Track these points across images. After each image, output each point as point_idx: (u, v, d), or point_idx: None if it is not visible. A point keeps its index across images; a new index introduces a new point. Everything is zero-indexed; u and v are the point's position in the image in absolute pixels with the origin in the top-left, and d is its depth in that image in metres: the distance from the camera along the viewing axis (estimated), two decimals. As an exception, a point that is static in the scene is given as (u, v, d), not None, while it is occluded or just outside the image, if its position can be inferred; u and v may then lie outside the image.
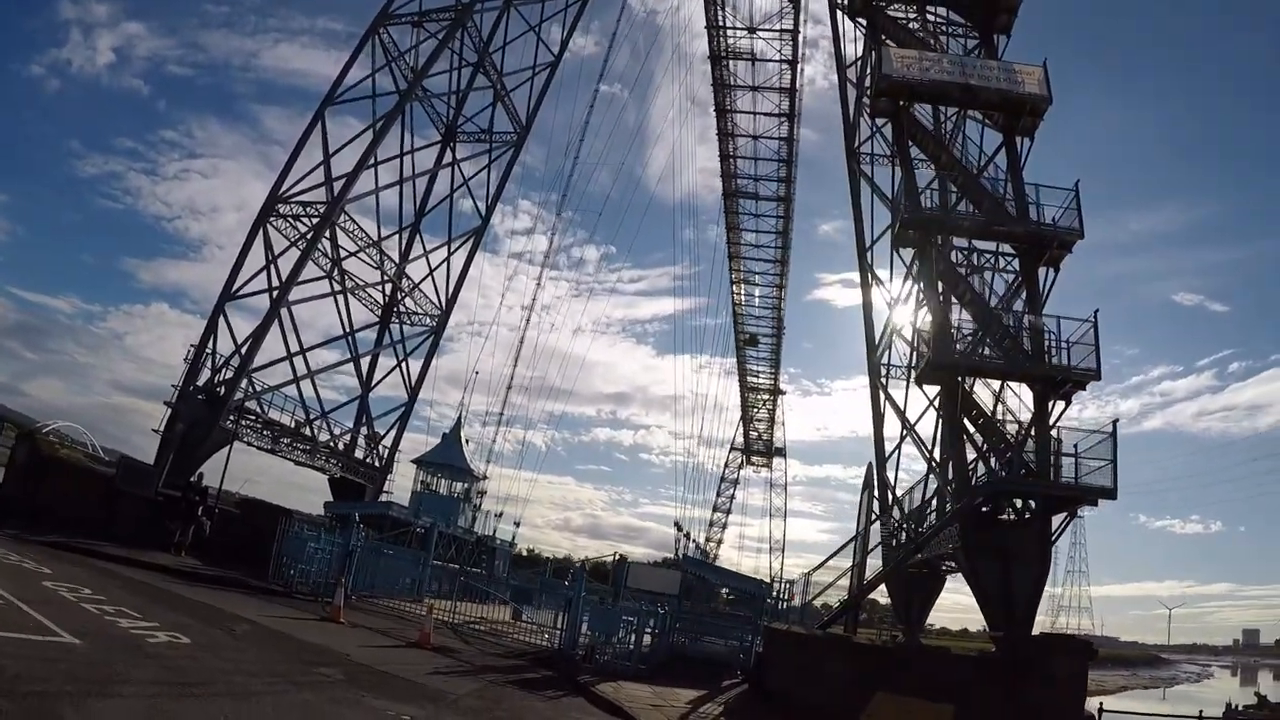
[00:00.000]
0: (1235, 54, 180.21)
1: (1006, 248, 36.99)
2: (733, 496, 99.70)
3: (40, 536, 27.66)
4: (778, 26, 60.40)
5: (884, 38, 40.68)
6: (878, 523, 39.21)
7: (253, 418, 40.75)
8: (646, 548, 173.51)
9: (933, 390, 37.56)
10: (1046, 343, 32.58)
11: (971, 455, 33.29)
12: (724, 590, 41.78)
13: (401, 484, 52.53)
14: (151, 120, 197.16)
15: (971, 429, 33.87)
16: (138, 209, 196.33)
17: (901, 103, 38.80)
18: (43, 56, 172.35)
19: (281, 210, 42.70)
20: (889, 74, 37.91)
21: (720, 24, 61.08)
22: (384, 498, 48.53)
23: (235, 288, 41.25)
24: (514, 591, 36.52)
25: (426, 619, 24.98)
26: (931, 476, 36.55)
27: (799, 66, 62.69)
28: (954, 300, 35.94)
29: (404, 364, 51.73)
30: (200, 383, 38.84)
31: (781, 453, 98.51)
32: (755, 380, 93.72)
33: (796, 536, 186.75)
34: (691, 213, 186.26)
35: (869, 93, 45.35)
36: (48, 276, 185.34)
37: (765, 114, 65.10)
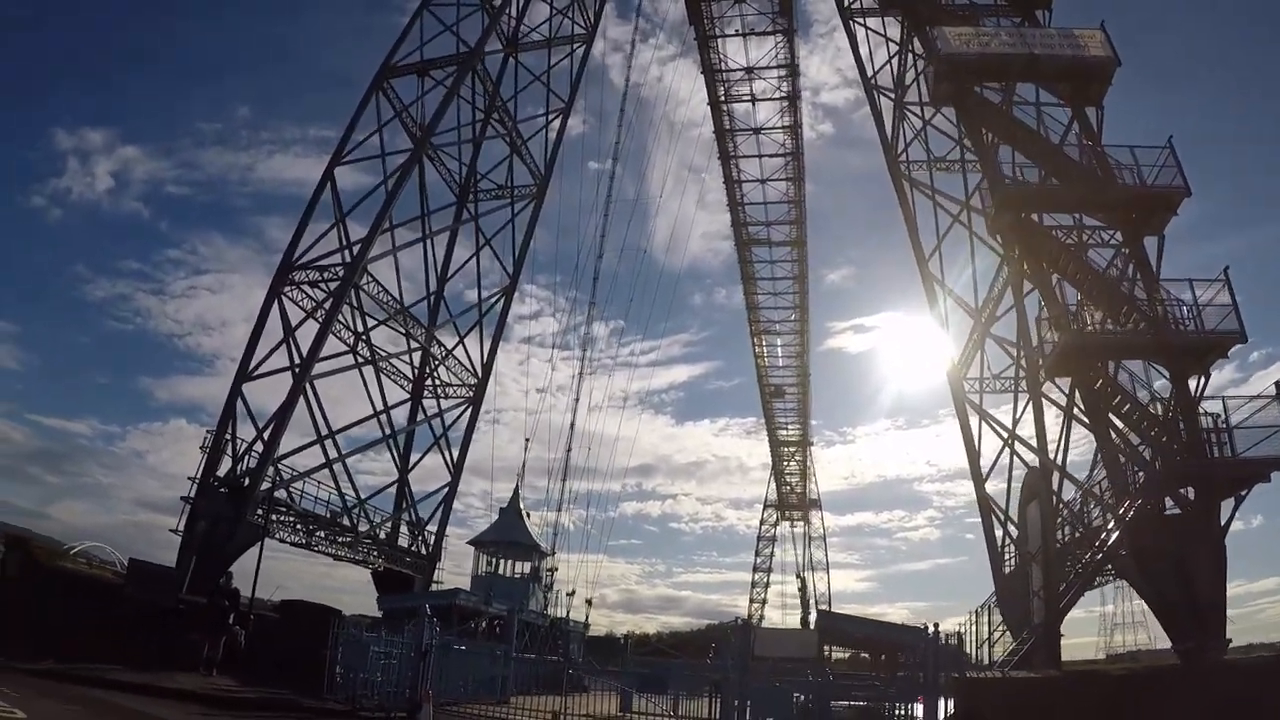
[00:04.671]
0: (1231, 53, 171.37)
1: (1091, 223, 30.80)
2: (771, 554, 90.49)
3: (32, 664, 20.56)
4: (774, 63, 53.91)
5: (925, 30, 34.76)
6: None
7: (283, 510, 32.36)
8: (685, 616, 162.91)
9: (1049, 392, 30.84)
10: (1176, 312, 26.29)
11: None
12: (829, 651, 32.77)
13: (446, 574, 43.93)
14: (155, 241, 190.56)
15: (1116, 420, 26.91)
16: (148, 329, 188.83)
17: (965, 83, 32.78)
18: (43, 186, 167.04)
19: (296, 278, 35.10)
20: (949, 54, 32.15)
21: (718, 67, 54.69)
22: (435, 587, 39.87)
23: (251, 367, 33.53)
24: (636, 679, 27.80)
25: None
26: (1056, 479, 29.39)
27: (799, 101, 56.56)
28: (1061, 283, 29.40)
29: (444, 439, 43.44)
30: (221, 474, 30.50)
31: (816, 504, 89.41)
32: (784, 434, 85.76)
33: (837, 588, 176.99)
34: (698, 277, 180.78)
35: (917, 84, 39.34)
36: (64, 401, 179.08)
37: (770, 155, 58.91)
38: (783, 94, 55.83)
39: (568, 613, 44.93)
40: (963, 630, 26.27)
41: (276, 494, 32.00)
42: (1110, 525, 24.81)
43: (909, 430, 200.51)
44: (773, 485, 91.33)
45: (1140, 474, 25.64)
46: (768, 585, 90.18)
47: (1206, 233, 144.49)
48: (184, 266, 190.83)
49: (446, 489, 43.40)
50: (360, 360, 38.99)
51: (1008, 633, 27.87)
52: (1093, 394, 26.84)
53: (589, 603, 48.25)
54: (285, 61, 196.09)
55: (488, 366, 45.64)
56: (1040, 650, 24.36)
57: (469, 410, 44.84)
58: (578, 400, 52.78)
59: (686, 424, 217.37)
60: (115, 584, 26.75)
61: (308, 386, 34.18)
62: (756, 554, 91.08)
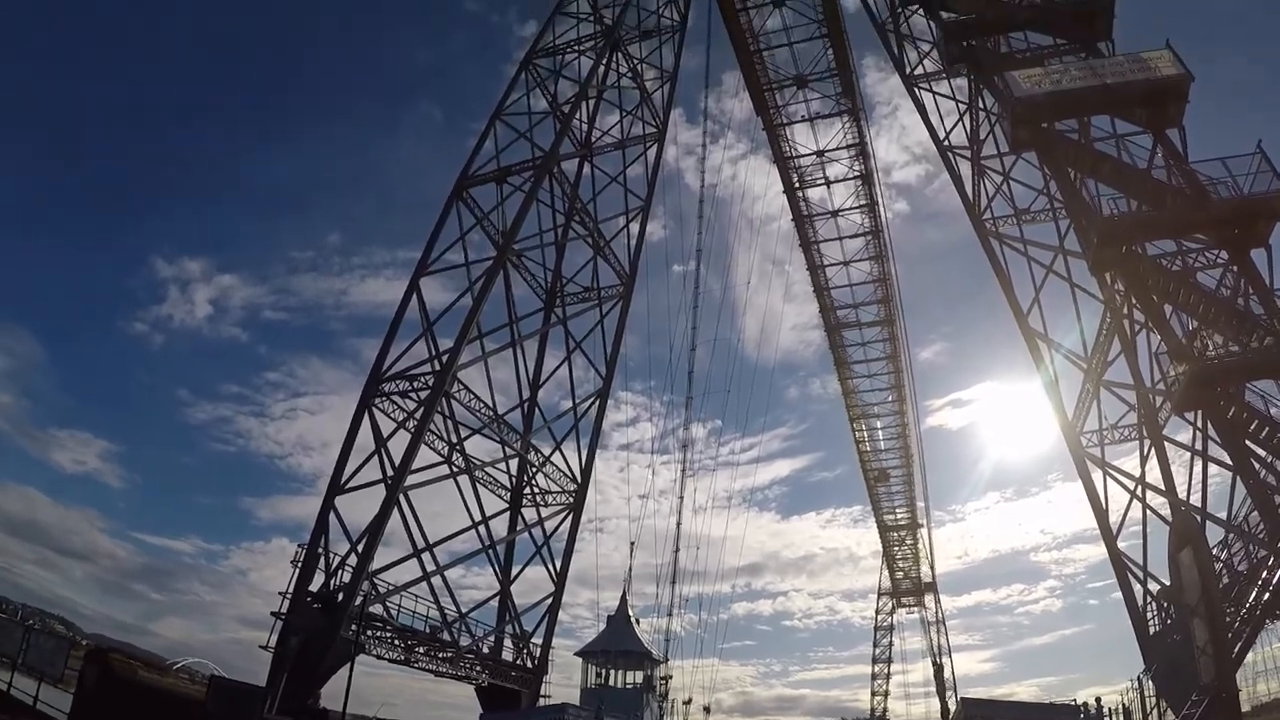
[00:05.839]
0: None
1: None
2: (890, 644, 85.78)
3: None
4: (843, 143, 52.97)
5: (993, 80, 33.41)
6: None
7: (380, 625, 30.86)
8: (804, 716, 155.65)
9: (1173, 433, 28.10)
10: None
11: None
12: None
13: (554, 687, 41.52)
14: (254, 364, 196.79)
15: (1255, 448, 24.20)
16: (249, 450, 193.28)
17: (1043, 124, 31.20)
18: (145, 313, 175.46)
19: (386, 389, 34.83)
20: (1024, 96, 30.69)
21: (789, 155, 53.97)
22: (542, 701, 37.60)
23: (344, 480, 32.59)
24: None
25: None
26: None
27: (873, 178, 55.40)
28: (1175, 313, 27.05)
29: (545, 548, 41.48)
30: (314, 589, 29.30)
31: (932, 587, 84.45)
32: (892, 518, 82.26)
33: (961, 671, 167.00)
34: (791, 370, 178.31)
35: (992, 138, 37.77)
36: (169, 520, 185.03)
37: (850, 236, 57.89)
38: (856, 173, 54.95)
39: (685, 720, 42.15)
40: (1128, 701, 23.01)
41: (372, 609, 30.62)
42: (1271, 561, 21.67)
43: (1018, 501, 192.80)
44: (885, 572, 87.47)
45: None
46: (889, 676, 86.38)
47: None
48: (283, 389, 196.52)
49: (550, 599, 41.29)
50: (455, 470, 37.71)
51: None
52: (1226, 424, 24.15)
53: (706, 710, 45.38)
54: (371, 188, 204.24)
55: (586, 471, 43.87)
56: (1217, 712, 20.96)
57: (570, 518, 42.93)
58: (681, 499, 50.66)
59: (792, 518, 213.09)
60: (193, 696, 25.45)
61: (402, 498, 33.02)
62: (875, 644, 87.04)
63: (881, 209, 57.70)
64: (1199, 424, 26.34)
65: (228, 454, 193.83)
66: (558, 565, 41.68)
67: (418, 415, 34.27)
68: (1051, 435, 34.47)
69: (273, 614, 28.80)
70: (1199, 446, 26.86)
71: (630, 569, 47.64)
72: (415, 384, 35.22)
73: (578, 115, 44.17)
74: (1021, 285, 36.44)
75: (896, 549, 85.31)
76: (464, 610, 36.21)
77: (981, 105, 37.24)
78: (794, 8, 49.27)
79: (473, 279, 38.01)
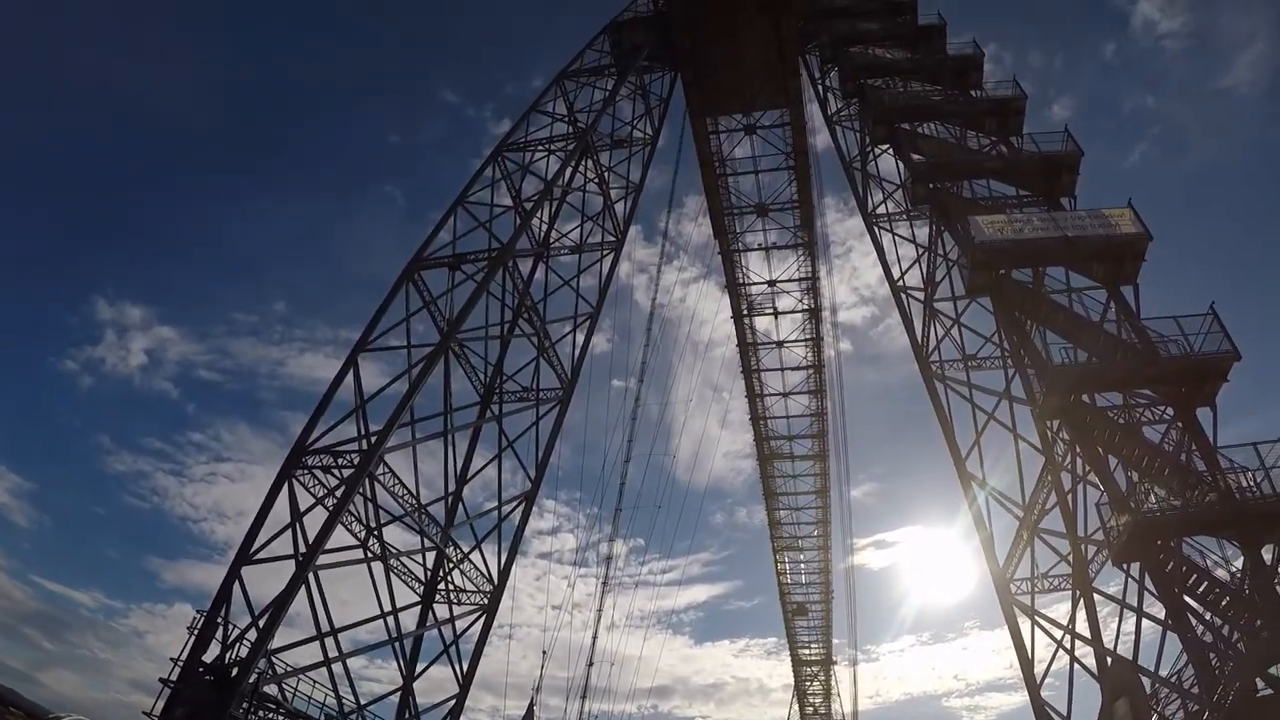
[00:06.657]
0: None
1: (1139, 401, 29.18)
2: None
3: None
4: (796, 276, 54.16)
5: (955, 224, 34.53)
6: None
7: (273, 707, 29.11)
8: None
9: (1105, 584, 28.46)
10: (1242, 479, 24.84)
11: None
12: None
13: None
14: (180, 422, 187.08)
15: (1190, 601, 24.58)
16: (164, 509, 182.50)
17: (1000, 271, 32.10)
18: (79, 352, 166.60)
19: (309, 462, 33.58)
20: (985, 241, 31.68)
21: (741, 281, 54.95)
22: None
23: (253, 550, 31.43)
24: None
25: None
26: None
27: (820, 314, 56.86)
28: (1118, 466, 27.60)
29: (454, 648, 39.72)
30: (208, 659, 27.63)
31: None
32: (807, 653, 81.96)
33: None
34: (719, 496, 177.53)
35: (948, 281, 38.60)
36: (71, 569, 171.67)
37: (792, 368, 58.75)
38: (805, 307, 56.06)
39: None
40: None
41: (267, 688, 28.90)
42: (1205, 715, 21.61)
43: (934, 645, 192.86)
44: (796, 707, 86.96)
45: (1228, 658, 22.85)
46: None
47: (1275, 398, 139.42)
48: (206, 451, 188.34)
49: (454, 701, 39.44)
50: (370, 555, 36.26)
51: None
52: (1165, 576, 24.37)
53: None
54: (323, 262, 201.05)
55: (504, 574, 42.50)
56: None
57: (482, 620, 41.44)
58: (599, 613, 49.38)
59: (705, 644, 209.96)
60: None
61: (311, 577, 31.53)
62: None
63: (827, 345, 58.99)
64: (1136, 576, 26.46)
65: (141, 510, 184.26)
66: (464, 667, 40.03)
67: (338, 493, 33.12)
68: (971, 583, 34.48)
69: (161, 680, 27.13)
70: (1133, 599, 26.94)
71: (540, 679, 46.05)
72: (340, 460, 34.10)
73: (539, 214, 44.54)
74: (962, 430, 36.85)
75: (809, 684, 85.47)
76: (363, 703, 34.38)
77: (940, 249, 38.12)
78: (765, 137, 51.29)
79: (412, 361, 37.49)
